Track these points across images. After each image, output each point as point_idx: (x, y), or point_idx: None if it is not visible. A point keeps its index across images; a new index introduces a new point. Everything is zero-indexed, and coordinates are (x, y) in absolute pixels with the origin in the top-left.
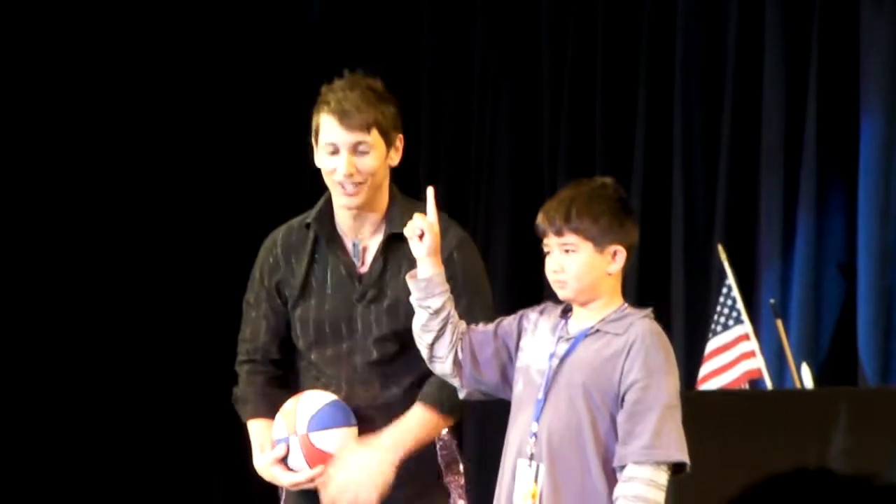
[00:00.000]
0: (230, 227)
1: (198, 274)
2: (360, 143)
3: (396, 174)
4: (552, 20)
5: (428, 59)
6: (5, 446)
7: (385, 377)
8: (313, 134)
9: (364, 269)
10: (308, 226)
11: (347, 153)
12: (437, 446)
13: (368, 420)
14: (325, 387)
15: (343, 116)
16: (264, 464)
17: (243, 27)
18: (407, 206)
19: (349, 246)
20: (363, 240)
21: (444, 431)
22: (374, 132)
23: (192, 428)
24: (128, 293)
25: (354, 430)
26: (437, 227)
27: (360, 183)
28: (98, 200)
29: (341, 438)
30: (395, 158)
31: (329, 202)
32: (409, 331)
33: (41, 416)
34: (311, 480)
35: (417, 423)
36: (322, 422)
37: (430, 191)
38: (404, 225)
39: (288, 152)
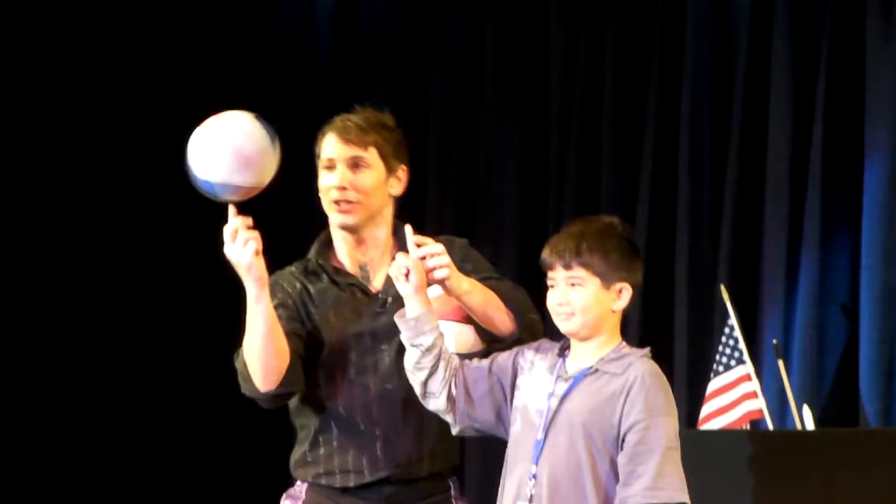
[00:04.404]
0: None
1: (196, 277)
2: (357, 158)
3: (404, 203)
4: (561, 52)
5: (437, 89)
6: (7, 448)
7: None
8: (317, 159)
9: (377, 286)
10: (306, 268)
11: (343, 167)
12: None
13: (400, 413)
14: (353, 399)
15: (343, 132)
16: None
17: (250, 58)
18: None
19: (355, 270)
20: (370, 264)
21: (454, 486)
22: (373, 151)
23: (194, 428)
24: (127, 295)
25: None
26: (420, 265)
27: (354, 201)
28: (101, 203)
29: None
30: (397, 187)
31: (324, 241)
32: None
33: (41, 417)
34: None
35: (495, 291)
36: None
37: (408, 229)
38: None
39: (293, 177)
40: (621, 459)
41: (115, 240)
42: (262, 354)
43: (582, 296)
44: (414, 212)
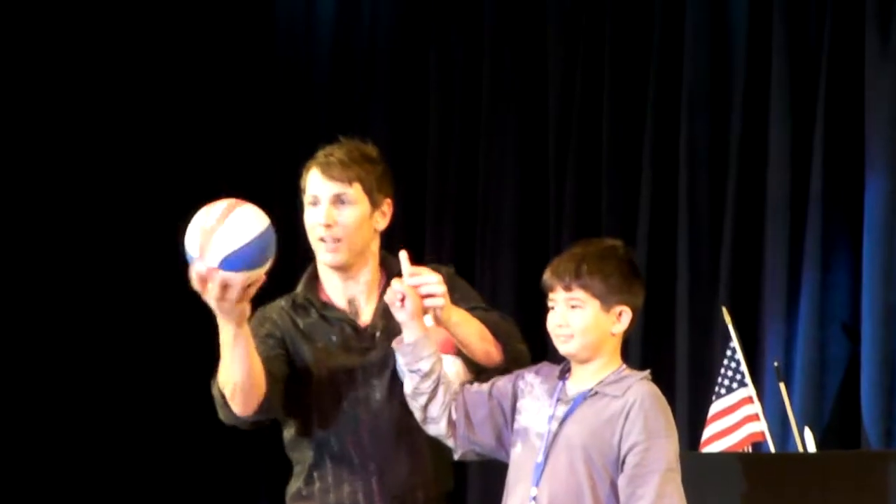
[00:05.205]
0: None
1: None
2: (341, 194)
3: (405, 217)
4: (559, 79)
5: (434, 114)
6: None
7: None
8: (302, 194)
9: (366, 321)
10: (294, 302)
11: (328, 204)
12: None
13: (393, 445)
14: (345, 434)
15: (326, 168)
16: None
17: (248, 75)
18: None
19: (343, 306)
20: (358, 298)
21: None
22: (357, 187)
23: (191, 461)
24: (126, 296)
25: (262, 270)
26: (415, 291)
27: (339, 239)
28: (98, 209)
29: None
30: (382, 223)
31: (311, 275)
32: None
33: (41, 419)
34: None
35: (483, 322)
36: (238, 263)
37: (403, 255)
38: None
39: (287, 208)
40: (621, 482)
41: (107, 244)
42: (243, 386)
43: (581, 318)
44: (414, 224)
